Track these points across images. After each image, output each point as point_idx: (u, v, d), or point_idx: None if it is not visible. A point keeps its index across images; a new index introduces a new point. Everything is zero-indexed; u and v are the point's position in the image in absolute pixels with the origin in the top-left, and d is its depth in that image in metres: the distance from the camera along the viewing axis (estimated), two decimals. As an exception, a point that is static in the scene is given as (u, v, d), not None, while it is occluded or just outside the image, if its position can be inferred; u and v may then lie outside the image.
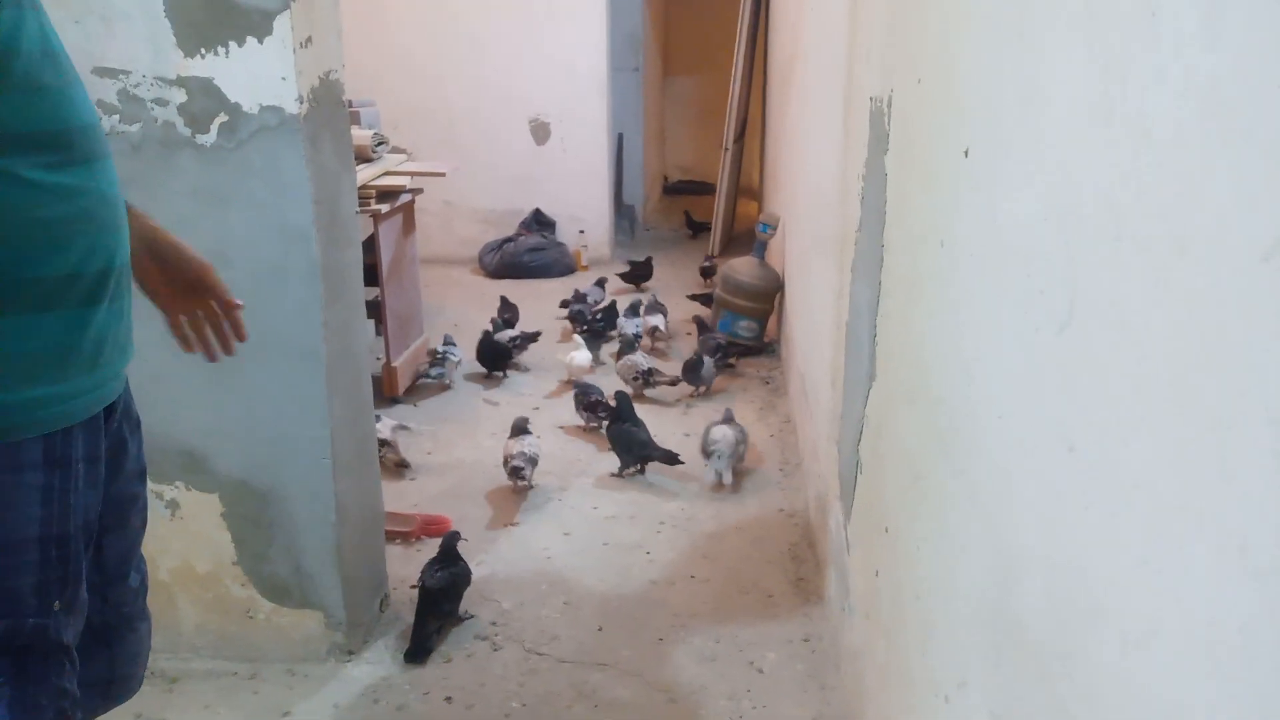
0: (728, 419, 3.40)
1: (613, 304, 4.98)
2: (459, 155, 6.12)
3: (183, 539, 2.26)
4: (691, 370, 4.09)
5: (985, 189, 1.14)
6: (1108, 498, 0.81)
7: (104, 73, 2.03)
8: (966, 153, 1.20)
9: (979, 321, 1.15)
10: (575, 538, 2.97)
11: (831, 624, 2.43)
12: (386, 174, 3.94)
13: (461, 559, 2.54)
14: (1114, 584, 0.79)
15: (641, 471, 3.37)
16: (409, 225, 4.25)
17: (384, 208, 3.81)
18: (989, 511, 1.12)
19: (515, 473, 3.17)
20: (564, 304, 5.25)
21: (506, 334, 4.47)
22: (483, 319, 4.74)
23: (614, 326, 4.82)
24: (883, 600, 1.73)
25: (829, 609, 2.49)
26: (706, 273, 6.08)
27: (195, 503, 2.23)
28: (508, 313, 4.84)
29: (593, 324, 4.73)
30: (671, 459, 3.31)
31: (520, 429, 3.29)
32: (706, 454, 3.30)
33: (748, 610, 2.60)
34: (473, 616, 2.54)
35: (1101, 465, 0.82)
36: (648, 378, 4.06)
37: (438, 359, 4.18)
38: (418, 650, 2.35)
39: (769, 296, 4.71)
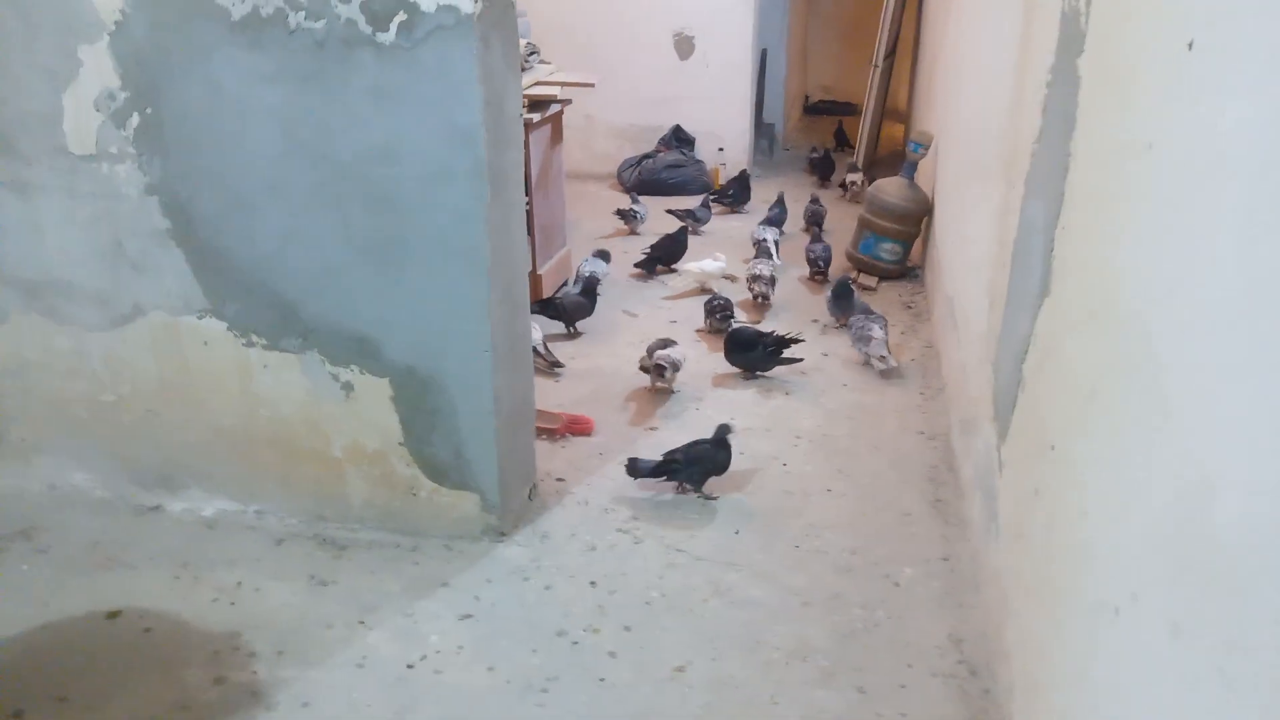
0: (866, 310, 3.75)
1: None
2: (602, 70, 6.09)
3: (355, 419, 2.43)
4: (842, 300, 3.95)
5: (1210, 86, 1.07)
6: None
7: (294, -30, 2.11)
8: (1190, 45, 1.13)
9: (1190, 228, 1.10)
10: (712, 446, 3.02)
11: (972, 545, 2.41)
12: (538, 83, 3.98)
13: (728, 449, 2.74)
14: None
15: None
16: (557, 136, 4.30)
17: (535, 117, 3.86)
18: (1182, 428, 1.09)
19: (658, 370, 3.26)
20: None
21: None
22: (622, 233, 4.86)
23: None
24: (1039, 519, 1.70)
25: (970, 530, 2.47)
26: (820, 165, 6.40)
27: (367, 386, 2.39)
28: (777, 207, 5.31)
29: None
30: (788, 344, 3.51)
31: (662, 344, 3.39)
32: (863, 342, 3.61)
33: (884, 527, 2.61)
34: (715, 498, 2.73)
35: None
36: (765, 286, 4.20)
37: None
38: (634, 470, 2.69)
39: (916, 219, 4.56)
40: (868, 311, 3.76)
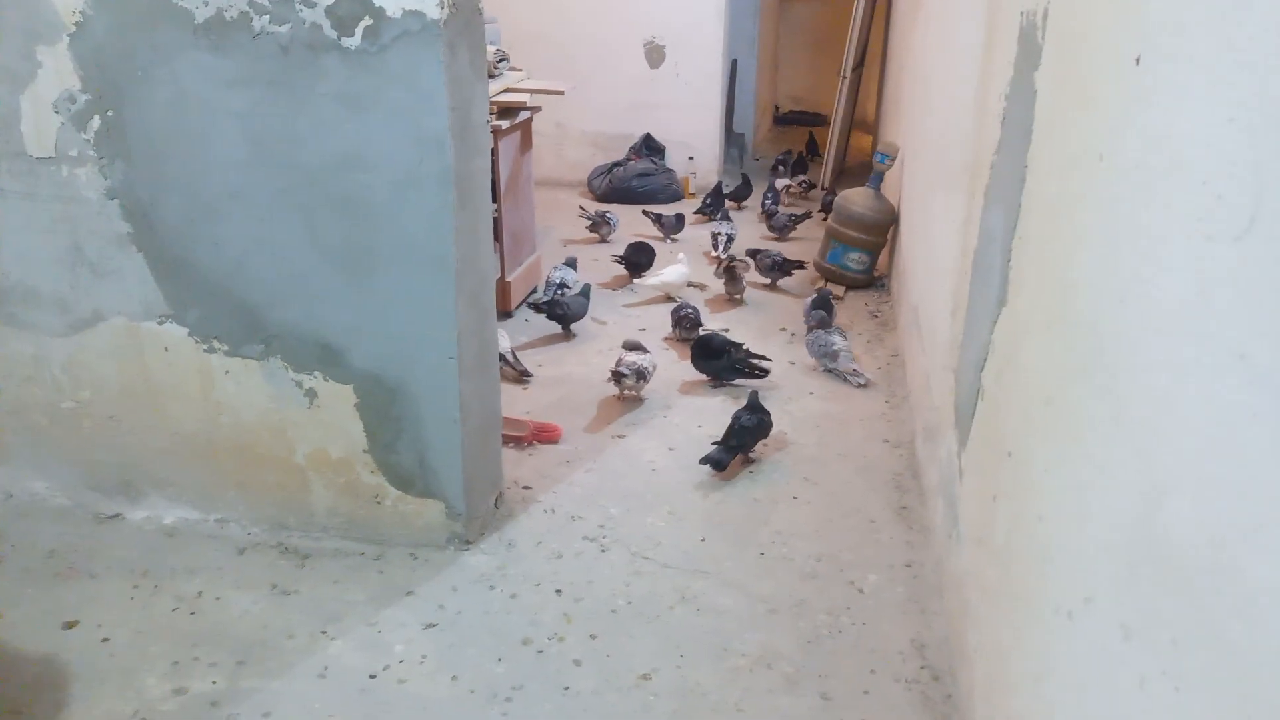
0: (825, 324, 3.75)
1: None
2: (573, 78, 6.11)
3: (319, 426, 2.41)
4: (821, 313, 3.94)
5: (1158, 98, 1.10)
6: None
7: (260, -26, 2.10)
8: (1137, 61, 1.15)
9: (1141, 235, 1.12)
10: (679, 453, 3.03)
11: (935, 551, 2.44)
12: (507, 90, 3.98)
13: (766, 411, 2.97)
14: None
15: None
16: (526, 143, 4.29)
17: (504, 124, 3.86)
18: (1136, 431, 1.11)
19: (616, 378, 3.26)
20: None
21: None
22: (591, 241, 4.95)
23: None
24: (999, 525, 1.73)
25: (933, 537, 2.49)
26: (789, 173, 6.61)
27: (331, 393, 2.37)
28: None
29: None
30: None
31: (634, 347, 3.39)
32: (830, 358, 3.61)
33: (849, 533, 2.63)
34: (756, 460, 2.97)
35: (1276, 377, 0.80)
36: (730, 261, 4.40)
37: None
38: (717, 461, 2.83)
39: (882, 229, 4.61)
40: (824, 325, 3.77)
